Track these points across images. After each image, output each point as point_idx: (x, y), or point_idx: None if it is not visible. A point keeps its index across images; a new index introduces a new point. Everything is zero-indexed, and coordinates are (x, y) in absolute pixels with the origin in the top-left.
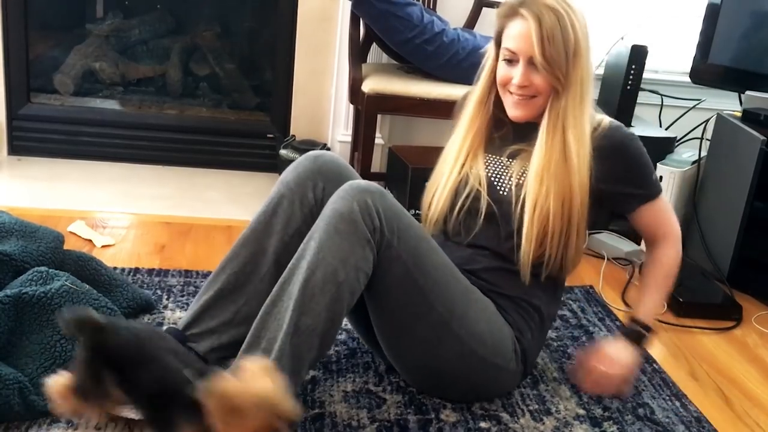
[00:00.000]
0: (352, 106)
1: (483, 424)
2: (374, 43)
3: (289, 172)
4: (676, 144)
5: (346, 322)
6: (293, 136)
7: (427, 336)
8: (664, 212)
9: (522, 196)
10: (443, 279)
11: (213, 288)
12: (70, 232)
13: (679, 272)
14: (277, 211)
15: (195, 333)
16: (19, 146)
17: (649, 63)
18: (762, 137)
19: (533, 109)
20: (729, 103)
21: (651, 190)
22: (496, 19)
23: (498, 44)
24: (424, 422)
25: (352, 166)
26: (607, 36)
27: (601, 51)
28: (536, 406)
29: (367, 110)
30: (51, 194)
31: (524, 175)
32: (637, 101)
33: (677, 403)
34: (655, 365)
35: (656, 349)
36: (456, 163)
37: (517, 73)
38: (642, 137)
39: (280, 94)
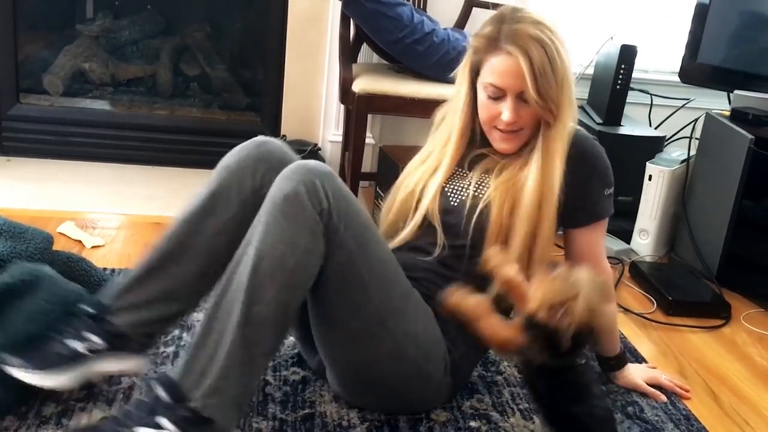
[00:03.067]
0: (342, 106)
1: (473, 423)
2: (365, 43)
3: (231, 156)
4: (666, 143)
5: None
6: (284, 136)
7: (362, 329)
8: (601, 239)
9: (480, 207)
10: (385, 273)
11: (144, 264)
12: (60, 233)
13: (669, 271)
14: (215, 193)
15: (120, 306)
16: (8, 147)
17: (639, 62)
18: (750, 136)
19: (521, 140)
20: (718, 103)
21: (602, 211)
22: (473, 53)
23: (474, 76)
24: (414, 421)
25: (343, 166)
26: (597, 35)
27: (591, 50)
28: (526, 405)
29: (358, 110)
30: (41, 195)
31: (483, 185)
32: (627, 101)
33: (666, 402)
34: (644, 364)
35: (645, 348)
36: (421, 184)
37: (505, 110)
38: (631, 136)
39: (270, 95)
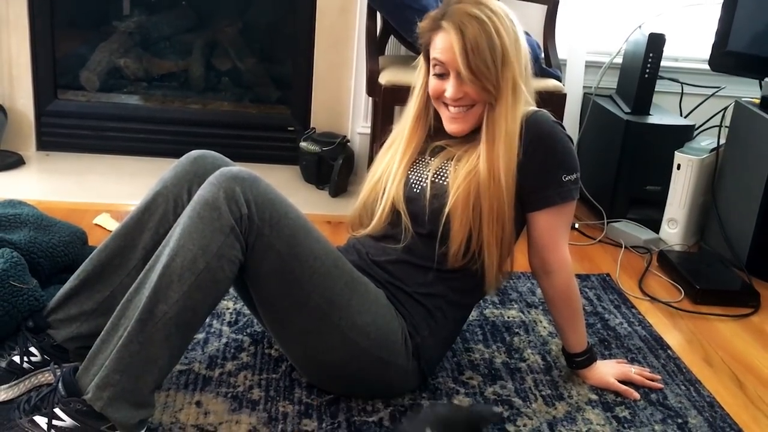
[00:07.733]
0: (371, 98)
1: (495, 409)
2: (392, 35)
3: (168, 171)
4: (696, 132)
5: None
6: (313, 128)
7: (307, 327)
8: (563, 225)
9: (438, 195)
10: (323, 269)
11: (79, 277)
12: (96, 224)
13: (697, 260)
14: (150, 208)
15: (57, 319)
16: (47, 142)
17: (669, 51)
18: None
19: (471, 121)
20: (750, 91)
21: (557, 196)
22: (421, 33)
23: (427, 58)
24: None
25: (371, 158)
26: (625, 24)
27: (619, 39)
28: (549, 392)
29: (384, 102)
30: (78, 188)
31: (442, 173)
32: (658, 90)
33: (690, 389)
34: (669, 351)
35: (672, 336)
36: (386, 170)
37: (449, 86)
38: (659, 125)
39: (300, 88)
